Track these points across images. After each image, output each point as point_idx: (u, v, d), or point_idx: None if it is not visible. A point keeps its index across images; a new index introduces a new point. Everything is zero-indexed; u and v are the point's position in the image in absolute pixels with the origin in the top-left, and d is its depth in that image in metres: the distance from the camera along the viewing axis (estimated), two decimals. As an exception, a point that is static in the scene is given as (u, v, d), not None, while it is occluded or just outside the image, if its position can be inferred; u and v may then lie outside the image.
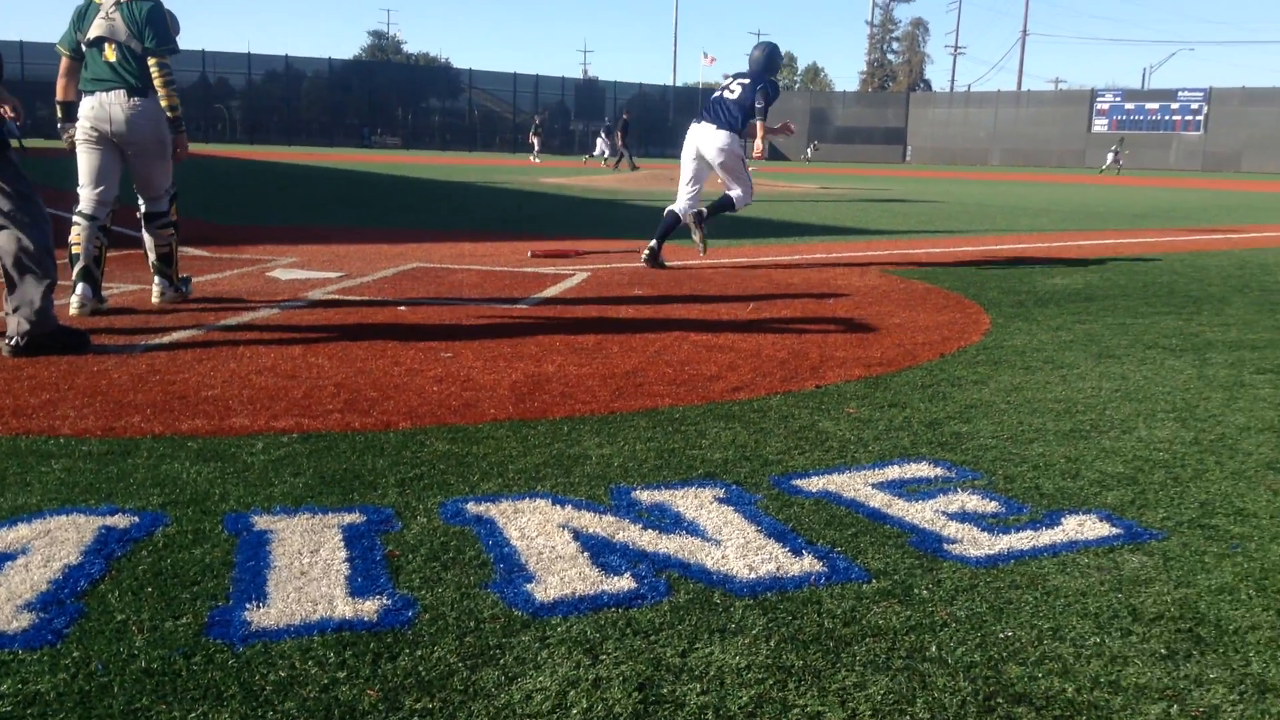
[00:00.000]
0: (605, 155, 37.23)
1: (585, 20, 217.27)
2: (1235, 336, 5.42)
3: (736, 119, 8.01)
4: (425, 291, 6.43)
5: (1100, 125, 64.83)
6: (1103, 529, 2.65)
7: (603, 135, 39.09)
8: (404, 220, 12.12)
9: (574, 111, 71.65)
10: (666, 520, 2.66)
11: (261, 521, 2.57)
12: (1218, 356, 4.88)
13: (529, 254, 8.64)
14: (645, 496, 2.83)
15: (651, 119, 54.50)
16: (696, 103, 75.46)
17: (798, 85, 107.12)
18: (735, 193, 8.19)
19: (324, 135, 64.21)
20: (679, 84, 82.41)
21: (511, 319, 5.55)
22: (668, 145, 61.46)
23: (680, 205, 8.16)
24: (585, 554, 2.43)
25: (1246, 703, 1.83)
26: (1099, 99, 65.76)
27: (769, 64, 8.35)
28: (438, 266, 7.74)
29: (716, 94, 8.37)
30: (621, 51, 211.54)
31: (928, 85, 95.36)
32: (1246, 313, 6.22)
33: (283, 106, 65.15)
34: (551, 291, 6.58)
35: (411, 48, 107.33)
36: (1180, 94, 62.28)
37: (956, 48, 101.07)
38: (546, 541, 2.50)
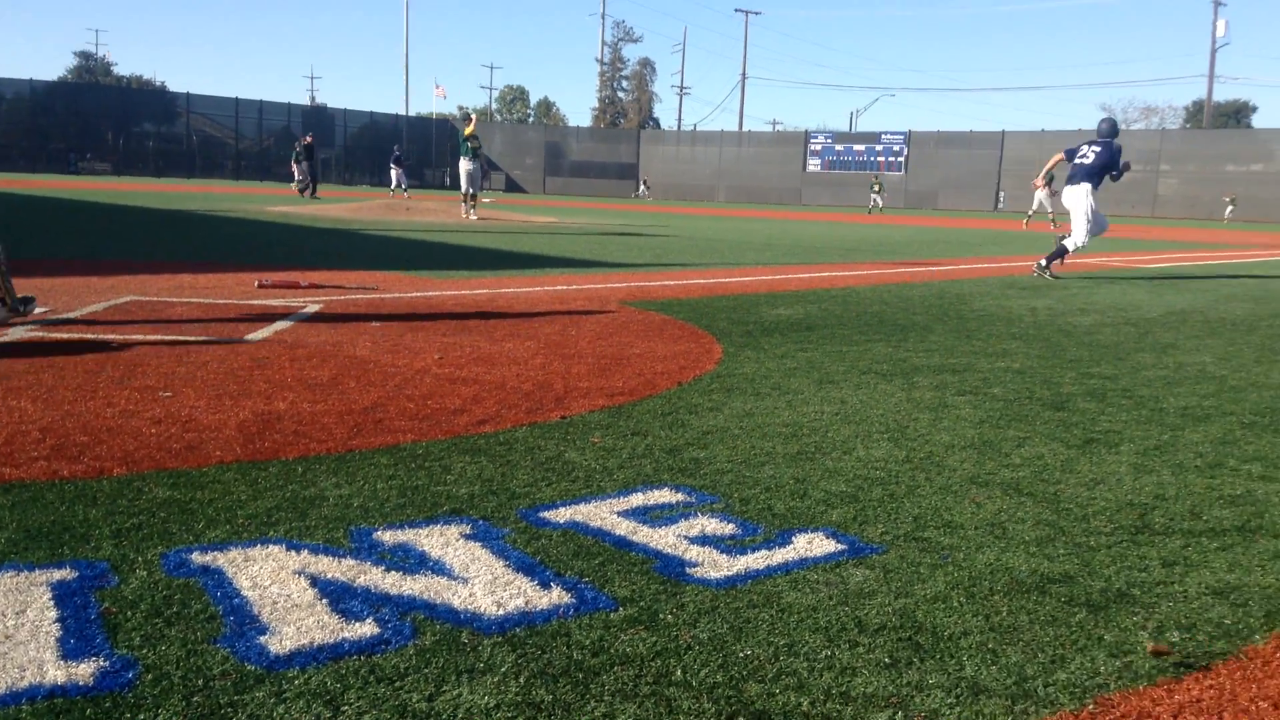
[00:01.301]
0: (403, 186, 37.26)
1: (312, 46, 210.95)
2: (938, 361, 5.90)
3: (1094, 176, 11.61)
4: (141, 327, 6.00)
5: (814, 165, 69.20)
6: (829, 545, 2.81)
7: (393, 165, 38.69)
8: (116, 250, 11.29)
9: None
10: (411, 560, 2.59)
11: (-50, 586, 2.30)
12: (924, 380, 5.29)
13: (256, 285, 8.25)
14: (388, 537, 2.75)
15: (386, 147, 53.45)
16: (430, 133, 74.85)
17: (531, 119, 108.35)
18: (1076, 238, 11.79)
19: (26, 160, 59.09)
20: (412, 114, 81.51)
21: (237, 355, 5.27)
22: (408, 175, 60.48)
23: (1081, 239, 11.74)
24: (323, 601, 2.33)
25: (963, 705, 1.98)
26: (812, 140, 70.22)
27: (1114, 131, 11.91)
28: (155, 300, 7.25)
29: (1079, 161, 11.74)
30: (351, 79, 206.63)
31: (657, 123, 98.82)
32: (947, 339, 6.80)
33: (-23, 130, 59.50)
34: (281, 325, 6.31)
35: (123, 69, 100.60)
36: (884, 136, 67.49)
37: (682, 88, 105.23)
38: (281, 590, 2.37)
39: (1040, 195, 29.67)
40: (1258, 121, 79.86)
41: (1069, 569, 2.68)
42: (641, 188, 68.09)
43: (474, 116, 23.39)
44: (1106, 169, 11.70)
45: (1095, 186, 11.67)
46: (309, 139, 32.75)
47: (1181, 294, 10.76)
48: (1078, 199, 11.69)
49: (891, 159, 66.35)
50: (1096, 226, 11.90)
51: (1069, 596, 2.50)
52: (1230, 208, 51.50)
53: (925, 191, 63.95)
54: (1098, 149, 11.67)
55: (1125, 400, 4.91)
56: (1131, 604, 2.47)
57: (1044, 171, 14.32)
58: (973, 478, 3.52)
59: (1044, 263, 11.91)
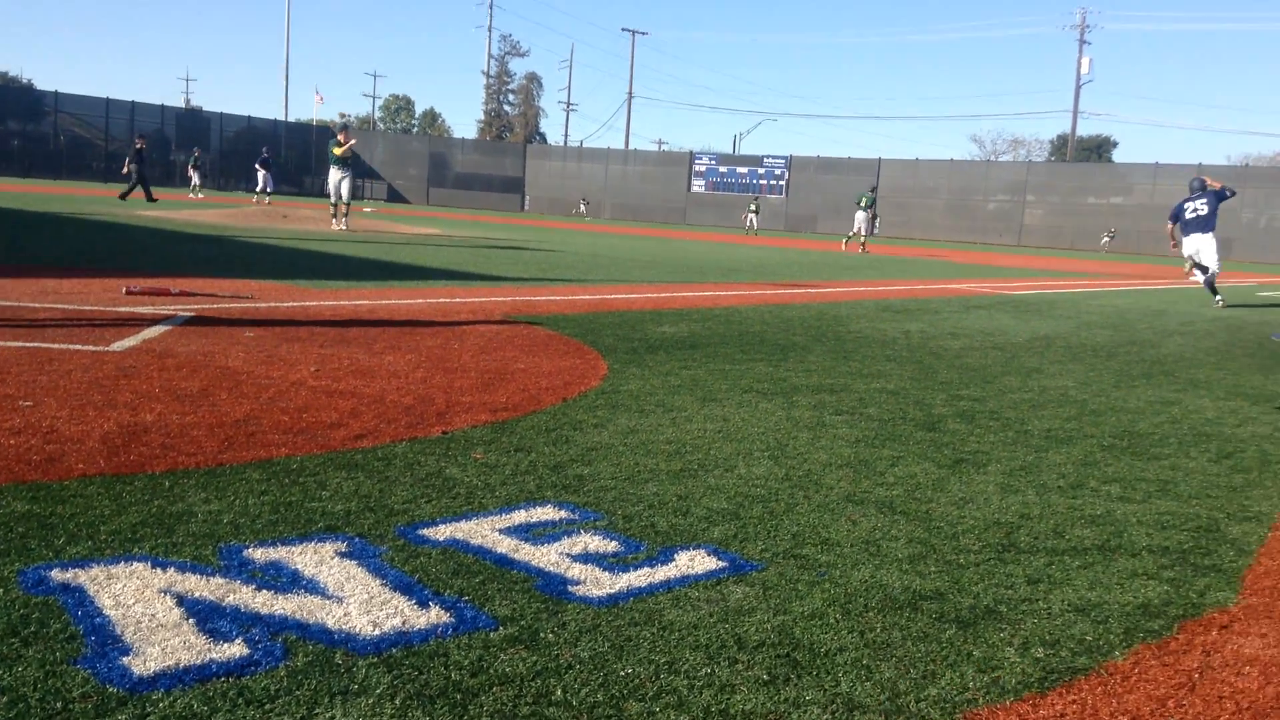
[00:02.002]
0: (268, 190, 36.95)
1: (189, 48, 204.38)
2: (816, 381, 6.02)
3: (1214, 219, 15.04)
4: (0, 332, 5.71)
5: (699, 185, 70.07)
6: (710, 562, 2.83)
7: (259, 167, 37.99)
8: (-30, 250, 10.72)
9: (175, 141, 66.96)
10: (283, 579, 2.51)
11: None
12: (803, 399, 5.39)
13: (124, 291, 7.93)
14: (259, 555, 2.66)
15: (272, 153, 52.22)
16: (310, 138, 73.17)
17: (415, 129, 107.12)
18: (1212, 268, 15.19)
19: (-126, 160, 55.72)
20: (291, 119, 79.72)
21: (103, 363, 5.05)
22: (284, 180, 59.12)
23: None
24: (190, 620, 2.24)
25: None
26: (697, 161, 71.09)
27: (1204, 184, 15.17)
28: (14, 304, 6.91)
29: (1193, 215, 15.08)
30: (229, 83, 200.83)
31: (543, 138, 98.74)
32: (825, 360, 6.94)
33: None
34: (150, 333, 6.07)
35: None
36: (766, 160, 68.74)
37: (569, 104, 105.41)
38: (145, 609, 2.28)
39: (859, 219, 31.84)
40: (1118, 156, 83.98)
41: (940, 586, 2.76)
42: (581, 206, 67.91)
43: (349, 129, 22.64)
44: (1218, 208, 15.29)
45: (1214, 228, 15.36)
46: (140, 143, 31.96)
47: (1046, 320, 11.22)
48: (1208, 241, 15.23)
49: (773, 182, 67.62)
50: (1220, 255, 15.84)
51: (940, 613, 2.57)
52: (1107, 239, 53.96)
53: (805, 215, 65.34)
54: (1204, 200, 15.20)
55: (993, 422, 5.09)
56: (999, 620, 2.55)
57: (1170, 236, 15.92)
58: (849, 496, 3.60)
59: (1214, 295, 15.33)
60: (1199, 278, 15.73)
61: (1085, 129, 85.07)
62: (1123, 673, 2.30)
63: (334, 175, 21.46)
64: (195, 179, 42.50)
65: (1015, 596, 2.72)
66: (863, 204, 31.84)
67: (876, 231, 59.85)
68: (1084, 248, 54.03)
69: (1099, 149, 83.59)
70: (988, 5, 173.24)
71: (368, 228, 23.69)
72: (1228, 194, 15.20)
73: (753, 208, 52.69)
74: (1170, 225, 15.53)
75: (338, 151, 21.37)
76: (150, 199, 27.82)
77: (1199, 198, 15.07)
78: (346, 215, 21.56)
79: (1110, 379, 6.88)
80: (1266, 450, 4.81)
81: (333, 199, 21.64)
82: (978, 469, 4.10)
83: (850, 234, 32.87)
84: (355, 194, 23.03)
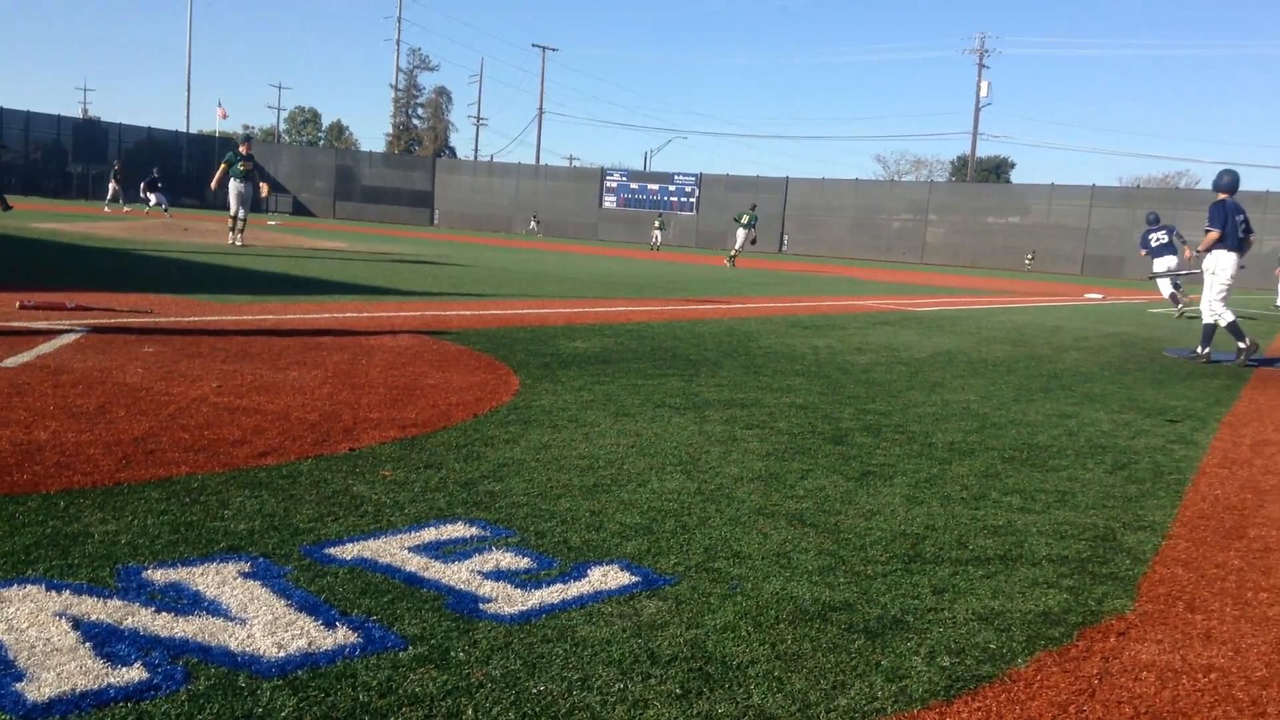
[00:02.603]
0: (164, 205, 36.52)
1: (87, 58, 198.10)
2: (727, 396, 6.07)
3: (1174, 247, 17.14)
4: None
5: (610, 201, 70.25)
6: (624, 577, 2.83)
7: (146, 189, 37.76)
8: None
9: (72, 153, 64.83)
10: (184, 601, 2.44)
11: None
12: (714, 414, 5.43)
13: (17, 305, 7.64)
14: (159, 576, 2.58)
15: (165, 165, 50.40)
16: (211, 150, 71.58)
17: (322, 142, 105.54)
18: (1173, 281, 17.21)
19: None
20: (193, 131, 77.83)
21: (-8, 380, 4.86)
22: (185, 194, 57.68)
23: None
24: (87, 644, 2.16)
25: (749, 729, 2.03)
26: (608, 177, 71.26)
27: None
28: (-107, 318, 6.60)
29: (1157, 243, 18.27)
30: (128, 94, 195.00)
31: (453, 152, 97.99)
32: (735, 375, 7.01)
33: None
34: (45, 349, 5.86)
35: None
36: (676, 177, 69.22)
37: (479, 119, 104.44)
38: (40, 633, 2.19)
39: (740, 235, 32.27)
40: (1016, 177, 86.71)
41: (849, 597, 2.80)
42: (532, 224, 67.33)
43: (251, 140, 21.88)
44: (1172, 237, 18.57)
45: (1175, 250, 18.15)
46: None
47: (948, 336, 11.50)
48: (1172, 260, 18.44)
49: (684, 199, 68.12)
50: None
51: (849, 624, 2.61)
52: (1030, 259, 55.49)
53: (715, 232, 65.88)
54: (1163, 230, 18.74)
55: (898, 435, 5.19)
56: (906, 630, 2.60)
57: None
58: (760, 509, 3.63)
59: (1175, 305, 18.35)
60: (1167, 292, 18.89)
61: (985, 150, 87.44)
62: (1025, 680, 2.36)
63: (233, 186, 20.84)
64: (114, 190, 40.23)
65: (921, 606, 2.77)
66: (744, 221, 32.19)
67: (784, 248, 60.72)
68: (984, 265, 55.49)
69: (998, 170, 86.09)
70: (892, 29, 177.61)
71: (272, 241, 23.21)
72: (1176, 229, 19.28)
73: (658, 224, 53.45)
74: (1143, 252, 19.33)
75: (241, 167, 20.79)
76: (5, 208, 26.65)
77: (1159, 229, 18.95)
78: (244, 230, 20.97)
79: (1010, 393, 7.08)
80: (1159, 461, 5.00)
81: (232, 212, 20.98)
82: (884, 481, 4.18)
83: (732, 250, 33.17)
84: (258, 207, 22.42)
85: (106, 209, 33.30)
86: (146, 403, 4.59)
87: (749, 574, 2.94)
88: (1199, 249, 10.62)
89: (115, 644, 2.18)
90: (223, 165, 20.85)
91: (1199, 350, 10.34)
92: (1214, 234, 10.28)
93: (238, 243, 20.37)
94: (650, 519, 3.41)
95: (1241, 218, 10.45)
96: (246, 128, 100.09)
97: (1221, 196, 10.45)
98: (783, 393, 6.34)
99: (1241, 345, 10.27)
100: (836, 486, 4.03)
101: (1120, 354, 10.65)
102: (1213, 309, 10.45)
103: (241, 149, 21.00)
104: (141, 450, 3.76)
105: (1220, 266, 10.42)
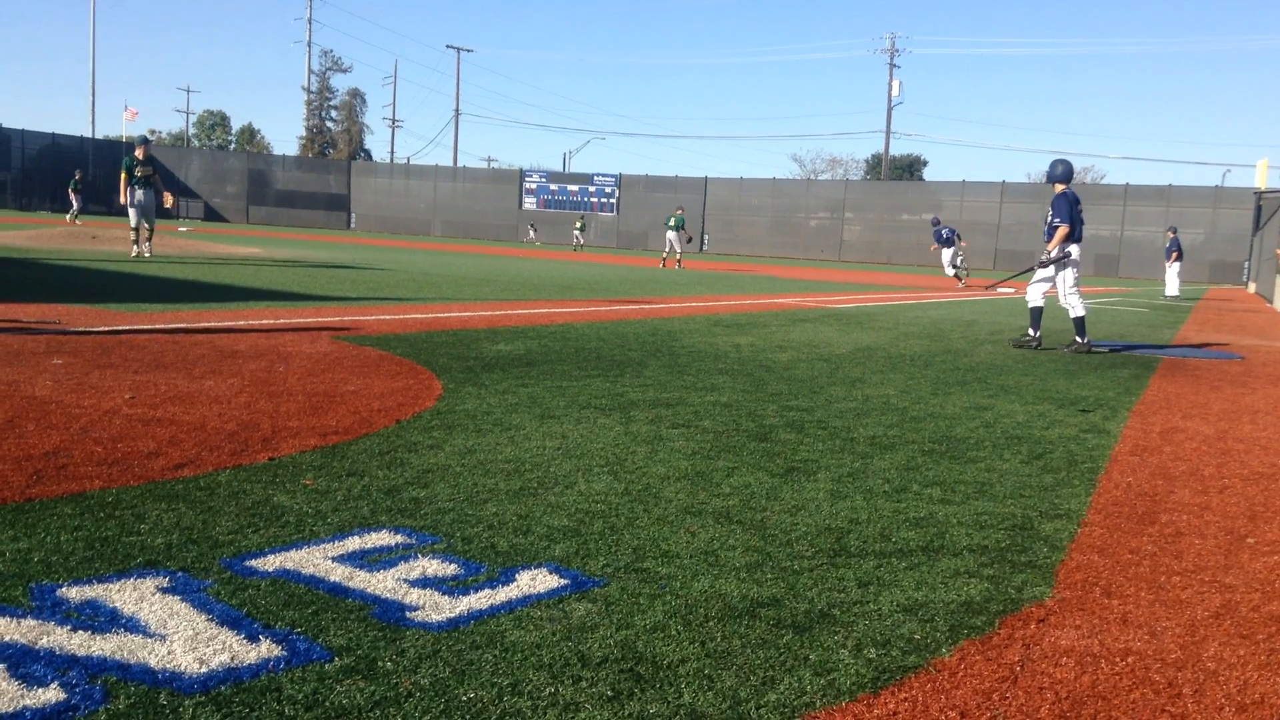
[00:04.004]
0: (77, 211, 36.37)
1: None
2: (653, 396, 6.09)
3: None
4: None
5: (530, 203, 70.00)
6: (553, 581, 2.82)
7: (73, 193, 37.28)
8: None
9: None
10: (101, 618, 2.37)
11: None
12: (640, 414, 5.44)
13: (-89, 318, 7.35)
14: (74, 594, 2.50)
15: (70, 171, 48.60)
16: (119, 155, 69.67)
17: (233, 145, 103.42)
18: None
19: None
20: (99, 136, 75.69)
21: (-112, 396, 4.66)
22: (92, 200, 56.05)
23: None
24: (1, 666, 2.09)
25: (681, 728, 2.03)
26: (527, 178, 71.02)
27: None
28: None
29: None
30: (30, 98, 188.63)
31: (369, 155, 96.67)
32: (660, 375, 7.03)
33: None
34: (-57, 362, 5.64)
35: None
36: (596, 178, 69.26)
37: (394, 121, 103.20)
38: (-56, 660, 2.11)
39: (671, 238, 32.86)
40: (929, 174, 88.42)
41: (776, 592, 2.83)
42: (531, 232, 66.35)
43: (148, 144, 20.77)
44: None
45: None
46: None
47: (867, 332, 11.68)
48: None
49: (604, 199, 68.18)
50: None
51: (777, 619, 2.63)
52: (961, 256, 56.64)
53: (636, 232, 66.12)
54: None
55: (821, 431, 5.26)
56: (833, 624, 2.63)
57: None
58: (687, 508, 3.65)
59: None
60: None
61: (898, 148, 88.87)
62: (950, 669, 2.40)
63: (137, 196, 19.69)
64: (76, 204, 37.93)
65: (847, 599, 2.81)
66: (672, 224, 32.98)
67: (705, 248, 61.07)
68: (900, 262, 56.46)
69: (911, 168, 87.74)
70: (804, 29, 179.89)
71: (183, 248, 22.68)
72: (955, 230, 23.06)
73: (579, 225, 53.79)
74: (934, 246, 20.93)
75: (139, 172, 19.68)
76: None
77: (943, 228, 23.77)
78: (150, 239, 20.02)
79: (928, 387, 7.21)
80: (1073, 451, 5.13)
81: (133, 223, 19.79)
82: (808, 477, 4.23)
83: (665, 253, 33.72)
84: (166, 214, 21.54)
85: (76, 222, 32.17)
86: (57, 416, 4.45)
87: (677, 573, 2.95)
88: (1050, 246, 10.83)
89: (30, 664, 2.11)
90: (123, 174, 19.83)
91: (1079, 340, 10.65)
92: (1064, 229, 10.65)
93: (146, 253, 19.53)
94: (578, 521, 3.40)
95: (1080, 208, 10.84)
96: (153, 132, 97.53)
97: (1060, 188, 10.75)
98: (707, 391, 6.38)
99: (1033, 333, 10.86)
100: (762, 483, 4.07)
101: (1032, 347, 10.91)
102: (1068, 300, 10.88)
103: (137, 153, 19.76)
104: (53, 465, 3.64)
105: (1073, 259, 10.84)
